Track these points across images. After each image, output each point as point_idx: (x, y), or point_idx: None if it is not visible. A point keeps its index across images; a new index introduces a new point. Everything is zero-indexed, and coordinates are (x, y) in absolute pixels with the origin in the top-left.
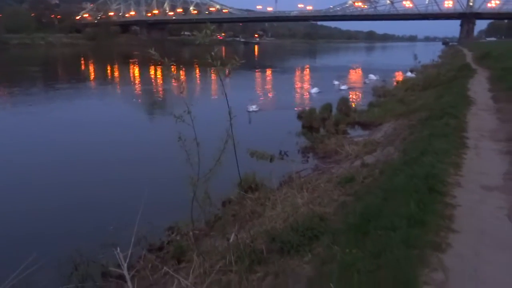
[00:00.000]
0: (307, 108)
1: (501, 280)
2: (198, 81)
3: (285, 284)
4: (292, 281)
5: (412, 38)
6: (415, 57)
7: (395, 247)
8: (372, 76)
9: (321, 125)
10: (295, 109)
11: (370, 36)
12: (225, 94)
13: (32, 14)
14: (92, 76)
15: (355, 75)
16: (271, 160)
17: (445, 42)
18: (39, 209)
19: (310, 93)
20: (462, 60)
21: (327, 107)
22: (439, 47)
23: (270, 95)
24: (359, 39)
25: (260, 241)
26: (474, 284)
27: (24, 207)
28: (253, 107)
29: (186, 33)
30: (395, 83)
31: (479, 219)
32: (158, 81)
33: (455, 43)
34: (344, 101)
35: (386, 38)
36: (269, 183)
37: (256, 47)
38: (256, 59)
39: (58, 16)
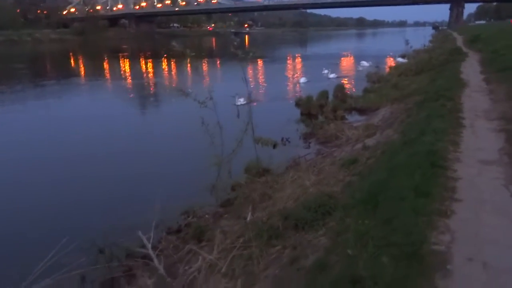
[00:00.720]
0: (297, 98)
1: (499, 239)
2: (190, 74)
3: (304, 254)
4: (310, 251)
5: (402, 24)
6: (407, 42)
7: (405, 215)
8: (364, 63)
9: (319, 111)
10: (285, 100)
11: (360, 23)
12: (245, 79)
13: (17, 10)
14: (82, 71)
15: (347, 63)
16: (275, 146)
17: (435, 26)
18: (60, 201)
19: (298, 83)
20: (453, 44)
21: (324, 94)
22: (429, 31)
23: (259, 86)
24: (349, 26)
25: (275, 219)
26: (477, 243)
27: (51, 199)
28: (241, 100)
29: (175, 25)
30: (388, 69)
31: (479, 189)
32: (149, 74)
33: (445, 27)
34: (340, 88)
35: (376, 24)
36: (276, 167)
37: (246, 37)
38: (246, 49)
39: (45, 12)
